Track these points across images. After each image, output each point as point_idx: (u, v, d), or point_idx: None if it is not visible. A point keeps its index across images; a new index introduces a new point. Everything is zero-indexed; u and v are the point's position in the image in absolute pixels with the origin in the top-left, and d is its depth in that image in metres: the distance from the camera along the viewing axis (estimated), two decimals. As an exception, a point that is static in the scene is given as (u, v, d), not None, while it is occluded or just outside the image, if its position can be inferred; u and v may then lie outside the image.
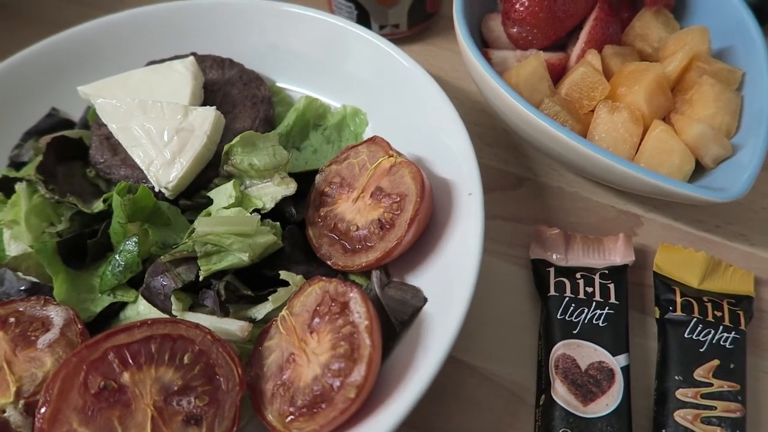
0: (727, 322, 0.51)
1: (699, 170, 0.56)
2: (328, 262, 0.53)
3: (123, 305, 0.53)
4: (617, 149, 0.54)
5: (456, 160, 0.54)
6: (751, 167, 0.50)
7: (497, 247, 0.61)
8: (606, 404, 0.47)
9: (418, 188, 0.51)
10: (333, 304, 0.46)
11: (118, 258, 0.53)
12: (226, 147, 0.55)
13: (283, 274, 0.50)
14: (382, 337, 0.47)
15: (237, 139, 0.55)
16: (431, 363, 0.44)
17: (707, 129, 0.52)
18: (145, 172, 0.56)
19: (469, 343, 0.55)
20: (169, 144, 0.56)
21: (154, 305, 0.50)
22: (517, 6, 0.60)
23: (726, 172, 0.53)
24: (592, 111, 0.57)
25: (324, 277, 0.48)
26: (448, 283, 0.49)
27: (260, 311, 0.51)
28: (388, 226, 0.51)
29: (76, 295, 0.53)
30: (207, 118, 0.57)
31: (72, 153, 0.61)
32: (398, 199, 0.52)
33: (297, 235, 0.55)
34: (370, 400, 0.44)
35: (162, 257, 0.51)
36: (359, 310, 0.44)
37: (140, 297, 0.52)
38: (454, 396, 0.53)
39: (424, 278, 0.52)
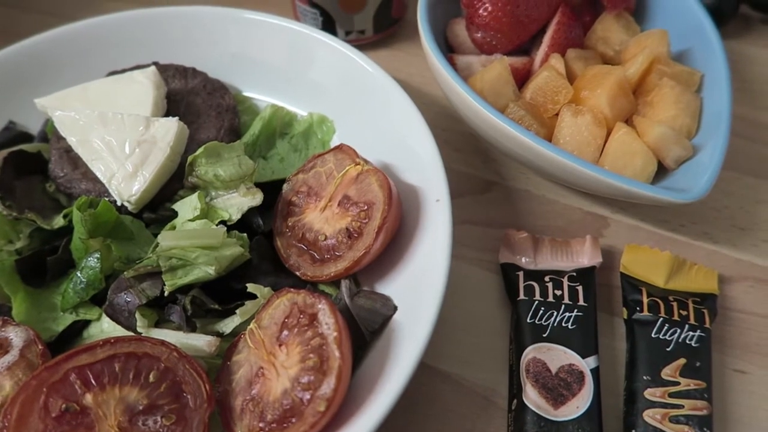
0: (692, 321, 0.51)
1: (661, 171, 0.57)
2: (297, 273, 0.53)
3: (86, 323, 0.52)
4: (582, 152, 0.54)
5: (423, 166, 0.54)
6: (711, 167, 0.51)
7: (467, 252, 0.61)
8: (576, 407, 0.48)
9: (386, 196, 0.51)
10: (301, 316, 0.46)
11: (79, 275, 0.51)
12: (190, 158, 0.54)
13: (251, 287, 0.49)
14: (352, 348, 0.47)
15: (201, 149, 0.54)
16: (402, 372, 0.43)
17: (668, 131, 0.53)
18: (107, 185, 0.54)
19: (441, 349, 0.55)
20: (131, 156, 0.55)
21: (118, 323, 0.49)
22: (481, 11, 0.61)
23: (688, 173, 0.54)
24: (557, 115, 0.57)
25: (292, 289, 0.47)
26: (418, 291, 0.49)
27: (228, 325, 0.50)
28: (356, 235, 0.51)
29: (36, 314, 0.51)
30: (170, 129, 0.56)
31: (30, 167, 0.60)
32: (366, 207, 0.51)
33: (264, 246, 0.54)
34: (341, 413, 0.44)
35: (125, 273, 0.50)
36: (328, 322, 0.44)
37: (104, 314, 0.51)
38: (427, 403, 0.53)
39: (393, 286, 0.52)
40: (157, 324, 0.50)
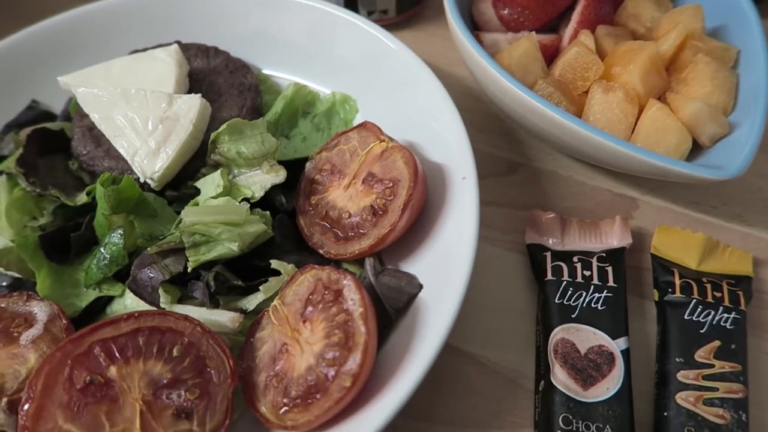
0: (726, 303, 0.50)
1: (695, 150, 0.55)
2: (320, 251, 0.52)
3: (109, 299, 0.52)
4: (612, 129, 0.53)
5: (449, 144, 0.53)
6: (749, 144, 0.49)
7: (492, 234, 0.60)
8: (607, 388, 0.46)
9: (411, 173, 0.50)
10: (326, 292, 0.45)
11: (103, 251, 0.51)
12: (212, 135, 0.54)
13: (274, 263, 0.49)
14: (377, 325, 0.46)
15: (224, 126, 0.53)
16: (428, 351, 0.42)
17: (704, 107, 0.51)
18: (130, 162, 0.54)
19: (466, 330, 0.54)
20: (154, 133, 0.54)
21: (142, 298, 0.49)
22: (508, -13, 0.59)
23: (723, 151, 0.52)
24: (586, 92, 0.56)
25: (316, 266, 0.47)
26: (444, 269, 0.48)
27: (251, 302, 0.49)
28: (381, 213, 0.50)
29: (60, 290, 0.51)
30: (192, 106, 0.55)
31: (53, 145, 0.60)
32: (391, 184, 0.50)
33: (287, 224, 0.54)
34: (365, 390, 0.43)
35: (149, 249, 0.50)
36: (353, 298, 0.43)
37: (127, 290, 0.51)
38: (451, 385, 0.52)
39: (419, 265, 0.51)
40: (180, 301, 0.50)
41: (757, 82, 0.53)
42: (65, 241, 0.53)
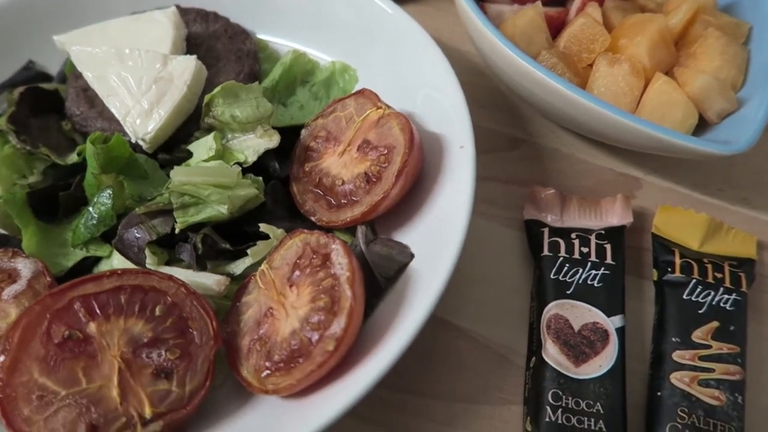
0: (727, 284, 0.48)
1: (702, 126, 0.53)
2: (312, 219, 0.51)
3: (96, 260, 0.51)
4: (617, 103, 0.51)
5: (447, 114, 0.52)
6: (757, 120, 0.48)
7: (490, 209, 0.58)
8: (599, 365, 0.45)
9: (407, 139, 0.48)
10: (314, 256, 0.44)
11: (91, 210, 0.50)
12: (206, 98, 0.52)
13: (263, 227, 0.48)
14: (366, 293, 0.45)
15: (218, 89, 0.52)
16: (413, 321, 0.41)
17: (712, 80, 0.50)
18: (122, 122, 0.53)
19: (459, 304, 0.53)
20: (147, 93, 0.53)
21: (128, 258, 0.48)
22: (515, -43, 0.57)
23: (730, 128, 0.50)
24: (591, 65, 0.54)
25: (306, 230, 0.46)
26: (437, 239, 0.46)
27: (239, 266, 0.48)
28: (374, 180, 0.49)
29: (46, 248, 0.51)
30: (187, 67, 0.54)
31: (47, 105, 0.59)
32: (386, 151, 0.49)
33: (280, 190, 0.53)
34: (350, 357, 0.42)
35: (137, 209, 0.49)
36: (341, 262, 0.42)
37: (114, 252, 0.50)
38: (441, 358, 0.50)
39: (412, 235, 0.49)
40: (168, 264, 0.49)
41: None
42: (54, 199, 0.52)
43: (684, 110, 0.50)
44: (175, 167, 0.48)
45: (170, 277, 0.44)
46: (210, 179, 0.48)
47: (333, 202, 0.50)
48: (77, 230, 0.51)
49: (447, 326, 0.52)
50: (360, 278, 0.42)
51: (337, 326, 0.40)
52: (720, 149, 0.46)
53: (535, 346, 0.48)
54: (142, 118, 0.53)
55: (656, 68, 0.52)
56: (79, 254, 0.51)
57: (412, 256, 0.48)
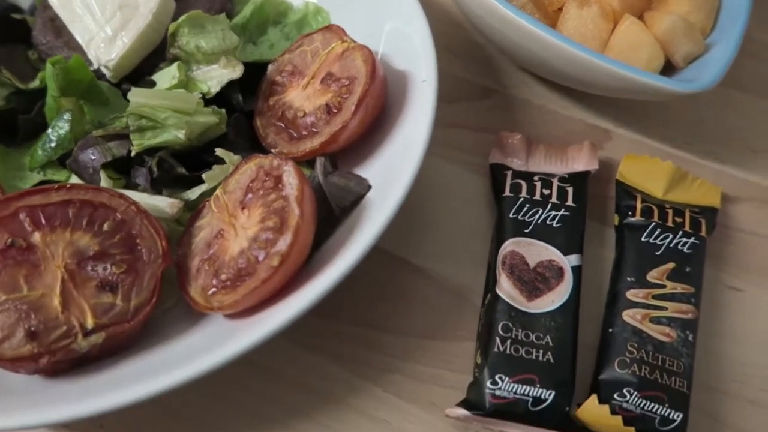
0: (687, 228, 0.48)
1: (669, 70, 0.53)
2: (273, 151, 0.50)
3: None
4: (585, 45, 0.50)
5: (413, 48, 0.51)
6: (723, 60, 0.47)
7: (457, 155, 0.58)
8: (552, 300, 0.45)
9: (368, 71, 0.48)
10: (267, 179, 0.43)
11: (49, 133, 0.50)
12: (171, 27, 0.52)
13: (219, 152, 0.47)
14: (320, 223, 0.45)
15: (183, 18, 0.52)
16: (356, 248, 0.41)
17: (679, 21, 0.49)
18: (85, 49, 0.53)
19: (419, 245, 0.53)
20: (112, 20, 0.52)
21: (82, 179, 0.48)
22: None
23: (696, 71, 0.50)
24: (561, 9, 0.54)
25: (261, 155, 0.45)
26: (394, 171, 0.46)
27: (194, 192, 0.48)
28: (335, 111, 0.48)
29: (3, 171, 0.50)
30: (154, -4, 0.53)
31: (14, 35, 0.58)
32: (347, 82, 0.49)
33: (243, 123, 0.52)
34: (297, 281, 0.42)
35: (94, 132, 0.48)
36: (291, 182, 0.42)
37: (72, 177, 0.49)
38: (398, 296, 0.50)
39: (372, 168, 0.49)
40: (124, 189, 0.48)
41: (738, 5, 0.51)
42: (14, 123, 0.51)
43: (650, 51, 0.49)
44: (134, 88, 0.48)
45: (121, 195, 0.43)
46: (168, 103, 0.47)
47: (294, 134, 0.50)
48: (35, 153, 0.50)
49: (406, 265, 0.52)
50: (310, 198, 0.42)
51: (283, 243, 0.40)
52: (682, 87, 0.46)
53: (491, 284, 0.47)
54: (106, 44, 0.52)
55: (626, 11, 0.51)
56: (36, 177, 0.50)
57: (369, 187, 0.47)
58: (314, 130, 0.49)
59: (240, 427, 0.44)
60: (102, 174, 0.47)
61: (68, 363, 0.40)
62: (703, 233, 0.48)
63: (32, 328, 0.38)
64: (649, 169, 0.52)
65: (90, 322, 0.39)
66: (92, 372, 0.41)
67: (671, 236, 0.47)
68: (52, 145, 0.50)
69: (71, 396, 0.39)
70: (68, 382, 0.40)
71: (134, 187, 0.48)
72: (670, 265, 0.46)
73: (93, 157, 0.47)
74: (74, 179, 0.49)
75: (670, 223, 0.48)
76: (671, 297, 0.45)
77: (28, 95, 0.53)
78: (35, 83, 0.53)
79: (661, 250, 0.47)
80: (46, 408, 0.38)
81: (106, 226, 0.42)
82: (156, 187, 0.47)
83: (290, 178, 0.42)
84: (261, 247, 0.41)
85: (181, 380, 0.38)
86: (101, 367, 0.41)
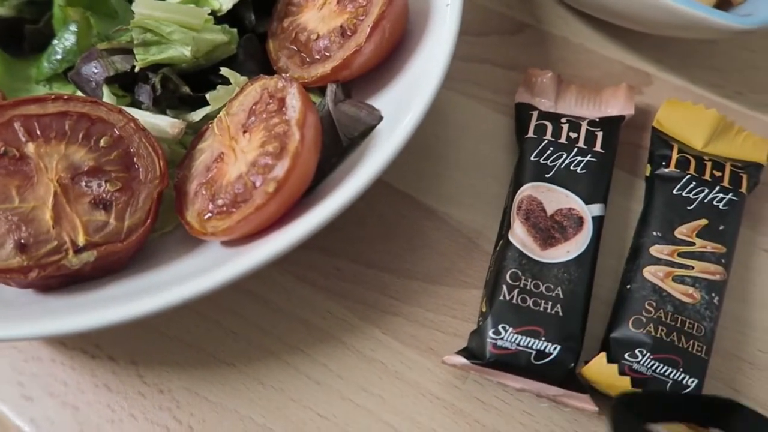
0: (725, 183, 0.44)
1: (724, 5, 0.47)
2: (283, 76, 0.47)
3: (59, 99, 0.49)
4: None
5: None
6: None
7: (482, 93, 0.54)
8: (567, 251, 0.42)
9: (387, -10, 0.44)
10: (271, 101, 0.41)
11: (55, 45, 0.48)
12: (184, -64, 0.49)
13: (224, 71, 0.45)
14: (327, 152, 0.42)
15: (197, -73, 0.48)
16: (358, 180, 0.38)
17: (741, -52, 0.44)
18: (95, -43, 0.50)
19: (433, 185, 0.50)
20: (122, -73, 0.50)
21: (84, 93, 0.46)
22: None
23: (754, 6, 0.44)
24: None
25: (266, 76, 0.42)
26: (406, 103, 0.43)
27: (198, 114, 0.46)
28: (349, 34, 0.45)
29: (9, 82, 0.49)
30: None
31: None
32: (364, 2, 0.45)
33: (255, 45, 0.49)
34: (297, 210, 0.40)
35: (98, 45, 0.46)
36: (294, 105, 0.39)
37: (78, 93, 0.48)
38: (407, 237, 0.48)
39: (387, 99, 0.46)
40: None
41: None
42: (21, 32, 0.50)
43: (704, -18, 0.44)
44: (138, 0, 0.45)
45: (120, 110, 0.41)
46: (174, 16, 0.45)
47: (307, 58, 0.47)
48: (41, 66, 0.49)
49: (417, 206, 0.49)
50: (314, 123, 0.39)
51: (280, 168, 0.37)
52: (738, 22, 0.41)
53: (504, 230, 0.44)
54: (115, -47, 0.49)
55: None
56: (41, 90, 0.49)
57: (380, 118, 0.44)
58: (327, 54, 0.46)
59: (234, 356, 0.44)
60: (105, 89, 0.45)
61: (59, 279, 0.39)
62: (743, 190, 0.44)
63: (22, 241, 0.37)
64: (690, 117, 0.48)
65: (81, 239, 0.38)
66: (86, 290, 0.40)
67: (707, 191, 0.43)
68: (58, 57, 0.48)
69: (62, 311, 0.38)
70: (61, 298, 0.40)
71: (138, 106, 0.47)
72: (702, 221, 0.42)
73: (96, 71, 0.45)
74: (80, 95, 0.48)
75: (707, 177, 0.44)
76: (699, 256, 0.41)
77: (37, 5, 0.51)
78: (44, -9, 0.51)
79: (693, 205, 0.43)
80: (39, 320, 0.37)
81: (102, 142, 0.40)
82: (159, 106, 0.45)
83: (293, 100, 0.39)
84: (259, 172, 0.38)
85: (173, 301, 0.36)
86: (95, 285, 0.40)
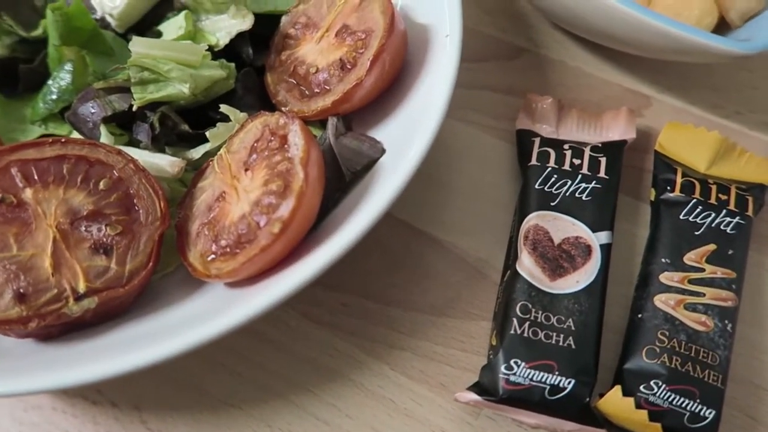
0: (731, 207, 0.44)
1: (722, 28, 0.47)
2: (283, 110, 0.47)
3: (55, 139, 0.48)
4: (628, -1, 0.45)
5: (437, 2, 0.46)
6: (785, 20, 0.42)
7: (482, 119, 0.54)
8: (576, 281, 0.41)
9: (387, 23, 0.44)
10: (272, 138, 0.40)
11: (51, 84, 0.47)
12: (180, -27, 0.48)
13: (224, 108, 0.44)
14: (330, 187, 0.42)
15: (192, -37, 0.48)
16: (365, 216, 0.37)
17: (737, -26, 0.44)
18: (89, -5, 0.50)
19: (437, 215, 0.49)
20: (116, -35, 0.49)
21: (81, 134, 0.45)
22: None
23: (753, 30, 0.45)
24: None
25: (267, 112, 0.42)
26: (410, 134, 0.42)
27: (198, 151, 0.45)
28: (349, 67, 0.45)
29: (4, 123, 0.48)
30: (161, -61, 0.50)
31: (19, -20, 0.55)
32: (363, 36, 0.45)
33: (253, 79, 0.49)
34: (302, 249, 0.39)
35: (95, 84, 0.46)
36: (297, 143, 0.38)
37: (74, 132, 0.47)
38: (412, 268, 0.47)
39: (388, 131, 0.45)
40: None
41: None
42: (16, 73, 0.49)
43: (701, 7, 0.44)
44: (135, 38, 0.45)
45: (119, 152, 0.41)
46: (172, 54, 0.44)
47: (306, 91, 0.47)
48: (36, 105, 0.48)
49: (421, 236, 0.48)
50: (317, 160, 0.39)
51: (285, 208, 0.37)
52: (737, 48, 0.41)
53: (511, 260, 0.44)
54: (110, -10, 0.49)
55: (677, -37, 0.46)
56: (37, 131, 0.48)
57: (383, 151, 0.44)
58: (327, 87, 0.45)
59: (240, 398, 0.43)
60: (103, 129, 0.45)
61: (60, 327, 0.38)
62: (750, 213, 0.44)
63: (21, 290, 0.36)
64: (692, 140, 0.48)
65: (82, 286, 0.37)
66: (87, 337, 0.39)
67: (713, 215, 0.43)
68: (53, 97, 0.47)
69: (64, 362, 0.37)
70: (62, 347, 0.39)
71: (137, 144, 0.46)
72: (711, 246, 0.42)
73: (93, 111, 0.45)
74: (75, 135, 0.47)
75: (713, 201, 0.44)
76: (710, 282, 0.41)
77: (31, 44, 0.51)
78: (38, 31, 0.51)
79: (701, 230, 0.43)
80: (39, 373, 0.36)
81: (102, 185, 0.40)
82: (158, 144, 0.45)
83: (296, 138, 0.39)
84: (263, 212, 0.38)
85: (179, 349, 0.36)
86: (96, 332, 0.39)
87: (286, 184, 0.38)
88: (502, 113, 0.54)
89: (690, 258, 0.42)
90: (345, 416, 0.42)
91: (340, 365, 0.43)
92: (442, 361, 0.43)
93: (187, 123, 0.46)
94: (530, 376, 0.38)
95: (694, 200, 0.44)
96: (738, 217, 0.43)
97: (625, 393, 0.38)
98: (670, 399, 0.37)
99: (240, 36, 0.48)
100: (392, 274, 0.47)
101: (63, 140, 0.40)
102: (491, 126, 0.53)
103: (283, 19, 0.50)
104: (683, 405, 0.37)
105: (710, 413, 0.37)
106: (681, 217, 0.43)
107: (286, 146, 0.39)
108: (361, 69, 0.44)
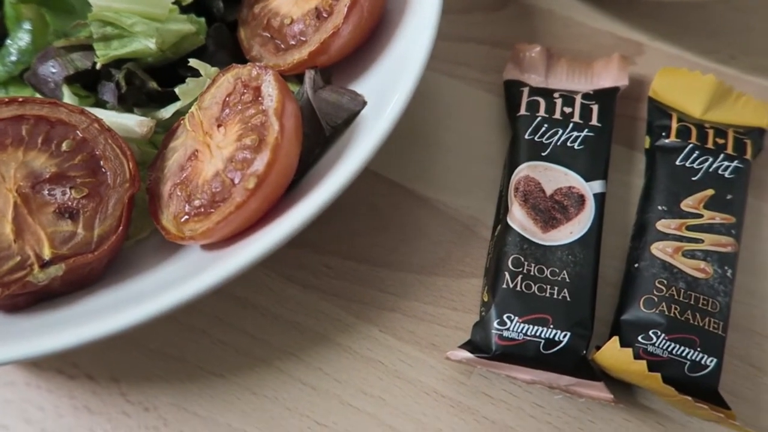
0: (729, 151, 0.42)
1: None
2: (257, 64, 0.44)
3: (17, 103, 0.46)
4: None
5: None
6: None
7: (468, 72, 0.51)
8: (570, 232, 0.39)
9: (364, -34, 0.41)
10: (245, 91, 0.38)
11: (9, 45, 0.45)
12: None
13: (193, 62, 0.42)
14: (309, 142, 0.39)
15: None
16: (344, 171, 0.35)
17: None
18: (46, -51, 0.46)
19: (424, 172, 0.47)
20: None
21: (42, 95, 0.42)
22: None
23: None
24: None
25: (239, 65, 0.40)
26: (390, 86, 0.40)
27: (168, 110, 0.43)
28: (325, 15, 0.42)
29: (-38, 88, 0.45)
30: None
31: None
32: (340, -19, 0.42)
33: (225, 34, 0.46)
34: (280, 206, 0.37)
35: (55, 42, 0.43)
36: (271, 93, 0.36)
37: (36, 95, 0.44)
38: (400, 228, 0.45)
39: (369, 83, 0.43)
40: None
41: None
42: (-29, 35, 0.46)
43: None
44: (94, -10, 0.42)
45: (82, 111, 0.38)
46: (135, 7, 0.42)
47: (281, 45, 0.44)
48: (-5, 69, 0.45)
49: (408, 194, 0.46)
50: (293, 112, 0.36)
51: (260, 162, 0.34)
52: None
53: (501, 214, 0.42)
54: (68, -57, 0.46)
55: None
56: (-3, 95, 0.45)
57: (363, 103, 0.42)
58: (302, 38, 0.43)
59: (223, 366, 0.41)
60: (65, 89, 0.42)
61: (27, 297, 0.36)
62: (748, 156, 0.42)
63: (-19, 258, 0.34)
64: (687, 85, 0.46)
65: (47, 252, 0.35)
66: (58, 307, 0.37)
67: (711, 159, 0.41)
68: (12, 59, 0.45)
69: (33, 332, 0.35)
70: (32, 317, 0.37)
71: (103, 105, 0.43)
72: (709, 192, 0.40)
73: (54, 70, 0.42)
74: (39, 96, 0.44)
75: (710, 145, 0.42)
76: (708, 228, 0.39)
77: (-12, 6, 0.48)
78: (-6, -10, 0.48)
79: (698, 175, 0.41)
80: (7, 343, 0.34)
81: (64, 146, 0.37)
82: (126, 104, 0.42)
83: (270, 88, 0.36)
84: (237, 168, 0.35)
85: (154, 313, 0.33)
86: (68, 301, 0.37)
87: (261, 138, 0.36)
88: (489, 66, 0.51)
89: (687, 204, 0.40)
90: (333, 380, 0.40)
91: (327, 329, 0.42)
92: (432, 321, 0.42)
93: (156, 81, 0.43)
94: (524, 331, 0.36)
95: (691, 145, 0.42)
96: (736, 161, 0.41)
97: (623, 344, 0.36)
98: (669, 348, 0.36)
99: (209, -9, 0.46)
100: (379, 234, 0.45)
101: (20, 100, 0.37)
102: (478, 79, 0.51)
103: (255, -30, 0.48)
104: (683, 354, 0.36)
105: (711, 361, 0.36)
106: (677, 163, 0.42)
107: (259, 98, 0.37)
108: (338, 17, 0.41)
